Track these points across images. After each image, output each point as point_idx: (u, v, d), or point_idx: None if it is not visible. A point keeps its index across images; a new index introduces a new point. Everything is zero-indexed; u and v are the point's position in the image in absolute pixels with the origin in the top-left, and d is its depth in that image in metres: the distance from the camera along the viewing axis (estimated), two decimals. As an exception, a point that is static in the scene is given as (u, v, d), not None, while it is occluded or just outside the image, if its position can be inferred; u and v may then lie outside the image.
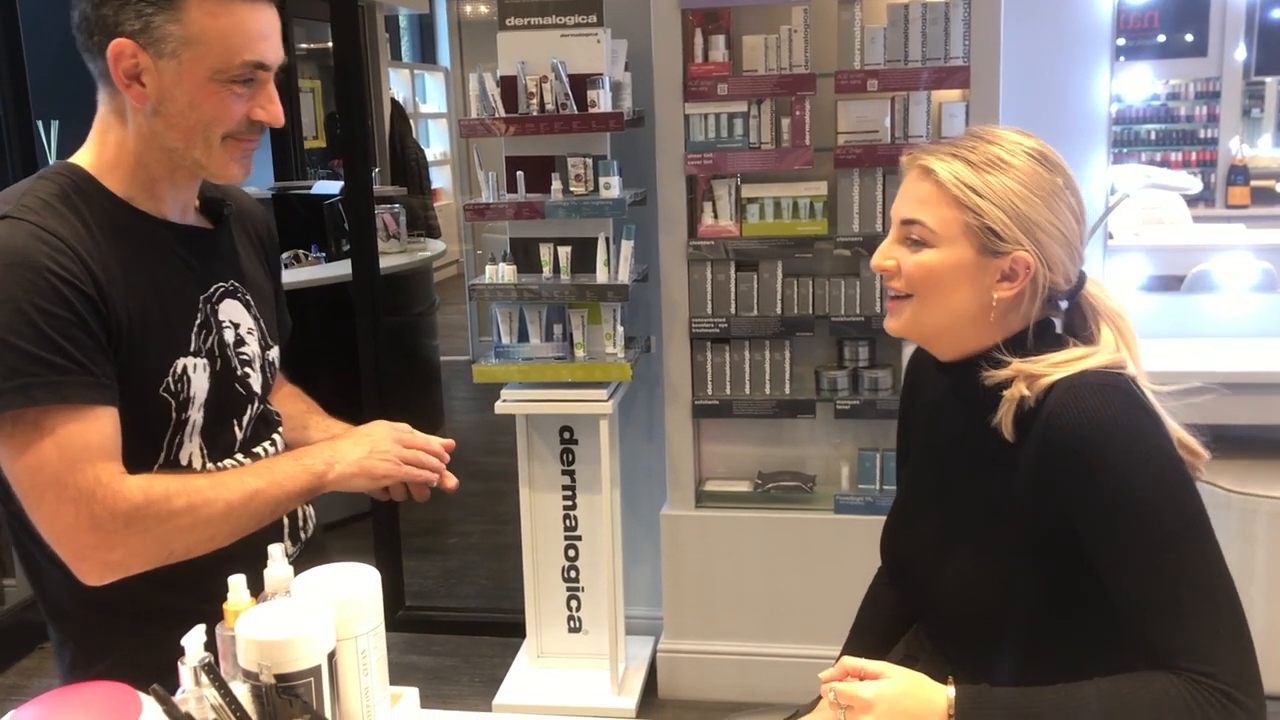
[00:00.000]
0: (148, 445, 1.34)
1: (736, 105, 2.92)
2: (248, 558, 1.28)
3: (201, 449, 1.39)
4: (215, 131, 1.33)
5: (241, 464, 1.43)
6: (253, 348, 1.47)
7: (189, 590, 1.30)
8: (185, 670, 1.10)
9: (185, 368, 1.36)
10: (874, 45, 2.85)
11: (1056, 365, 1.30)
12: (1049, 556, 1.32)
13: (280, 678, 1.08)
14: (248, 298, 1.49)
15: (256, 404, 1.48)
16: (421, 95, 10.51)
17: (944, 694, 1.24)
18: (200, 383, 1.37)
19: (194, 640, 1.09)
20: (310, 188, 5.81)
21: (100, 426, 1.25)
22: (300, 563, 1.39)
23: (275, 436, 1.53)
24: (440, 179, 10.04)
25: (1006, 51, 2.80)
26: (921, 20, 2.82)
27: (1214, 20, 3.75)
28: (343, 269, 4.17)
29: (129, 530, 1.25)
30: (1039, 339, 1.36)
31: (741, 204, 2.99)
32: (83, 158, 1.38)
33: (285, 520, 1.49)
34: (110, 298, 1.28)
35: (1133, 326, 1.38)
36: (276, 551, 1.21)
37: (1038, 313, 1.36)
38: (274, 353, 1.54)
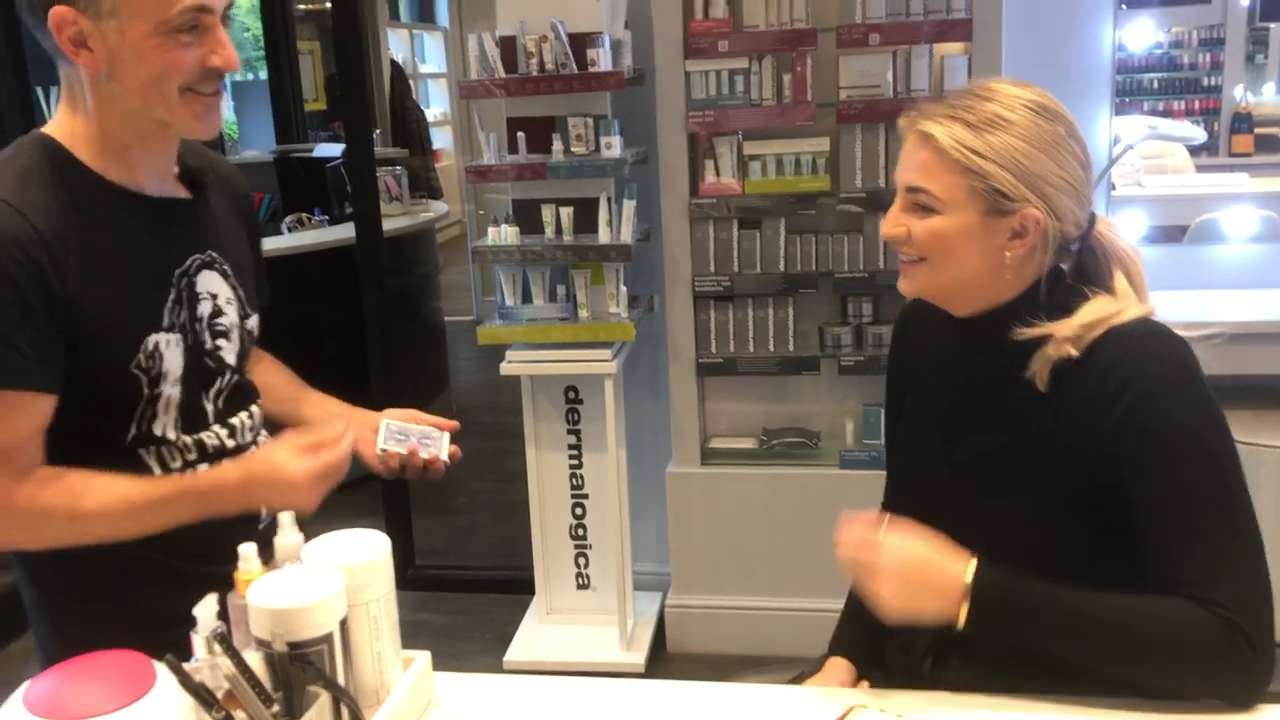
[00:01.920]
0: (117, 420, 1.36)
1: (737, 62, 2.90)
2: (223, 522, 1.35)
3: (176, 422, 1.40)
4: (170, 85, 1.30)
5: (218, 435, 1.45)
6: (230, 317, 1.47)
7: (162, 546, 1.36)
8: (198, 640, 1.11)
9: (157, 344, 1.36)
10: (875, -1, 2.82)
11: (1095, 323, 1.31)
12: (1088, 503, 1.33)
13: (293, 645, 1.10)
14: (225, 268, 1.48)
15: (229, 375, 1.47)
16: (421, 56, 10.43)
17: (965, 567, 1.25)
18: (174, 358, 1.38)
19: (206, 609, 1.11)
20: (312, 151, 5.79)
21: (12, 418, 1.27)
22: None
23: (253, 409, 1.53)
24: (441, 140, 9.98)
25: (1009, 3, 2.77)
26: (923, -28, 2.79)
27: (1219, -35, 3.70)
28: (346, 232, 4.16)
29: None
30: (1052, 289, 1.37)
31: (743, 161, 2.97)
32: (54, 129, 1.37)
33: None
34: (71, 278, 1.28)
35: (1142, 268, 1.38)
36: (286, 519, 1.23)
37: (1050, 260, 1.37)
38: (252, 321, 1.53)
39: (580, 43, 2.84)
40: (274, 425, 1.64)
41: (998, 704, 1.28)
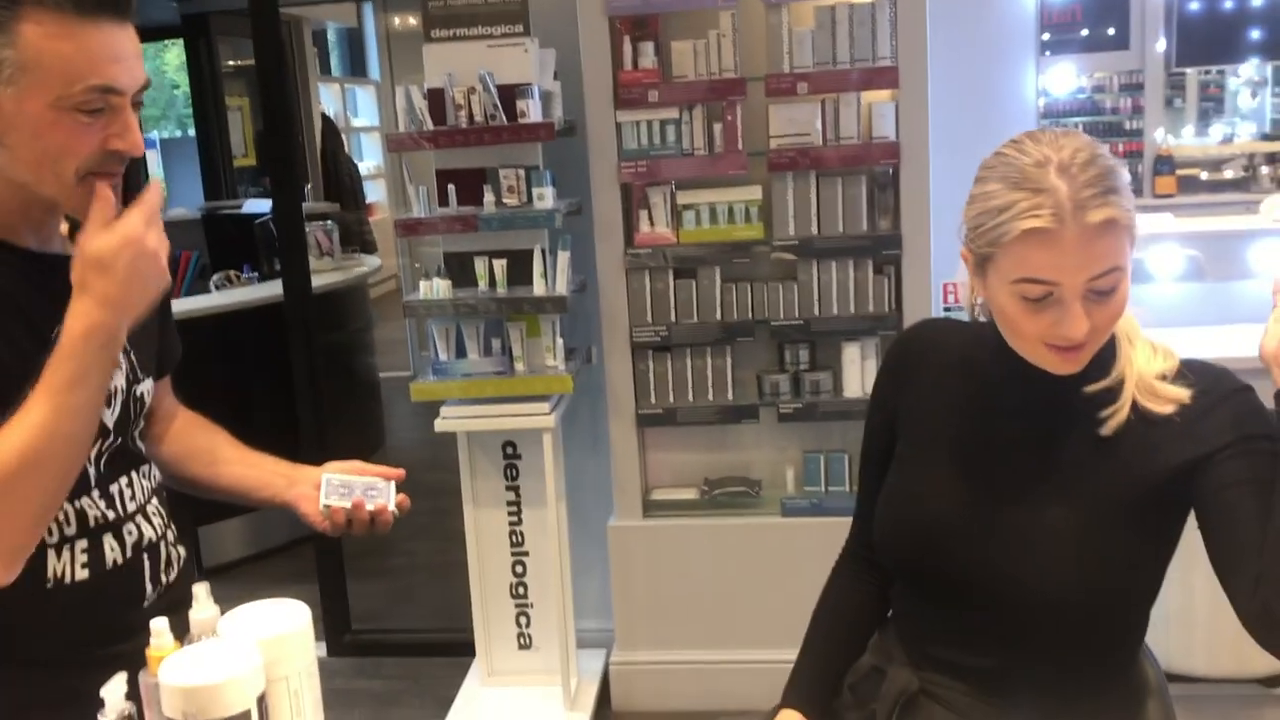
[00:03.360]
0: None
1: (668, 112, 2.90)
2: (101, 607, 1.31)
3: None
4: (66, 165, 1.22)
5: (97, 505, 1.36)
6: (116, 381, 1.37)
7: (60, 634, 1.31)
8: (106, 723, 1.05)
9: None
10: (802, 48, 2.84)
11: (1161, 375, 1.37)
12: (1170, 533, 1.41)
13: (208, 725, 1.04)
14: None
15: (110, 438, 1.38)
16: (353, 109, 10.42)
17: None
18: None
19: (114, 690, 1.05)
20: (240, 207, 5.73)
21: None
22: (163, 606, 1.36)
23: (133, 474, 1.43)
24: (375, 193, 9.94)
25: (934, 51, 2.81)
26: (849, 22, 2.83)
27: (1134, 14, 3.82)
28: (276, 289, 4.09)
29: None
30: None
31: (677, 211, 2.97)
32: None
33: (147, 562, 1.41)
34: None
35: None
36: (201, 591, 1.17)
37: None
38: (144, 386, 1.44)
39: (509, 94, 2.82)
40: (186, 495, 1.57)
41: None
